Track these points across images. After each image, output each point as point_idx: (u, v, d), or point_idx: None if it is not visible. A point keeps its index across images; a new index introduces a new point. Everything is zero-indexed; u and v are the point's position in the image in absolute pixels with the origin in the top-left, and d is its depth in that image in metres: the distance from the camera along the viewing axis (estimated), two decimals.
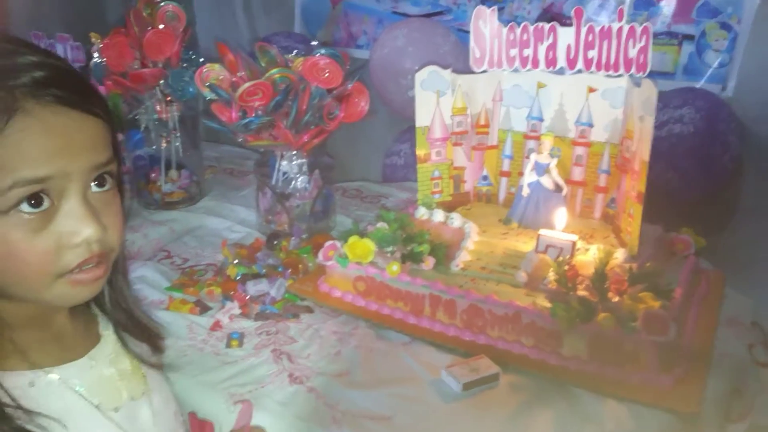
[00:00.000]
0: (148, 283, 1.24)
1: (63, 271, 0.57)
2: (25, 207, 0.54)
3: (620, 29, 1.16)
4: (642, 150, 1.05)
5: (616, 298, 0.98)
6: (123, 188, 0.65)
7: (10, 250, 0.54)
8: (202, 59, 1.55)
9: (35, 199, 0.54)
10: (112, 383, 0.66)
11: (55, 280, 0.57)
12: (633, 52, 1.16)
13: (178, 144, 1.63)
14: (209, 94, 1.36)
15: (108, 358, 0.67)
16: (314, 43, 1.40)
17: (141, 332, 0.73)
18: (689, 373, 0.97)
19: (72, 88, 0.56)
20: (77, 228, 0.56)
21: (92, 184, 0.58)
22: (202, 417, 0.88)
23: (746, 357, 1.07)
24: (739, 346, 1.08)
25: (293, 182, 1.41)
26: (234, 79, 1.34)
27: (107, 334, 0.69)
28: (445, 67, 1.29)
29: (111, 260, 0.62)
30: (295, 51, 1.42)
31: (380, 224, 1.18)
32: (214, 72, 1.37)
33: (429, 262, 1.13)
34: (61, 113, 0.54)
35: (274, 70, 1.30)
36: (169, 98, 1.61)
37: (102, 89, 1.55)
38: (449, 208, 1.29)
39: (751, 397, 1.05)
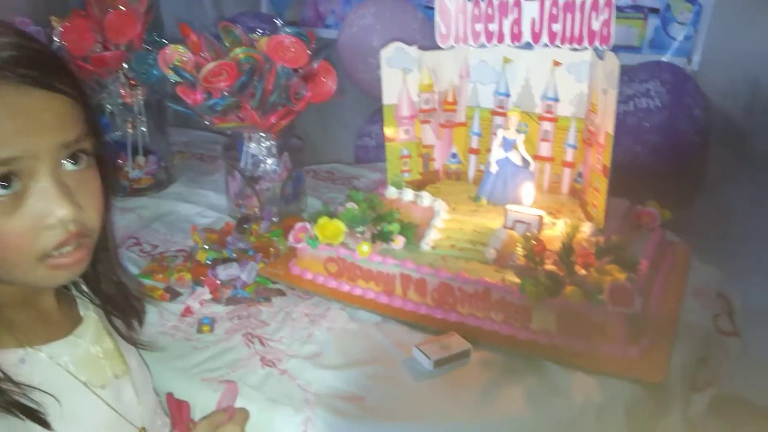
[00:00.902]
0: None
1: (42, 253, 0.57)
2: None
3: (583, 2, 1.15)
4: (606, 123, 1.06)
5: (583, 272, 0.99)
6: (107, 167, 0.64)
7: None
8: (165, 41, 1.52)
9: (5, 181, 0.54)
10: (97, 361, 0.67)
11: (36, 262, 0.57)
12: (596, 25, 1.16)
13: (144, 129, 1.61)
14: (173, 77, 1.33)
15: (92, 337, 0.68)
16: (279, 22, 1.37)
17: (126, 308, 0.74)
18: (655, 344, 0.99)
19: (36, 67, 0.55)
20: (50, 208, 0.56)
21: (67, 162, 0.58)
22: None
23: (711, 327, 1.10)
24: (704, 317, 1.11)
25: (262, 165, 1.40)
26: (198, 60, 1.32)
27: (88, 314, 0.70)
28: (411, 44, 1.28)
29: (92, 241, 0.62)
30: (259, 31, 1.39)
31: (350, 205, 1.17)
32: (178, 53, 1.34)
33: (399, 242, 1.13)
34: (25, 93, 0.54)
35: (238, 50, 1.28)
36: (133, 82, 1.57)
37: None
38: (419, 186, 1.29)
39: (715, 366, 1.08)
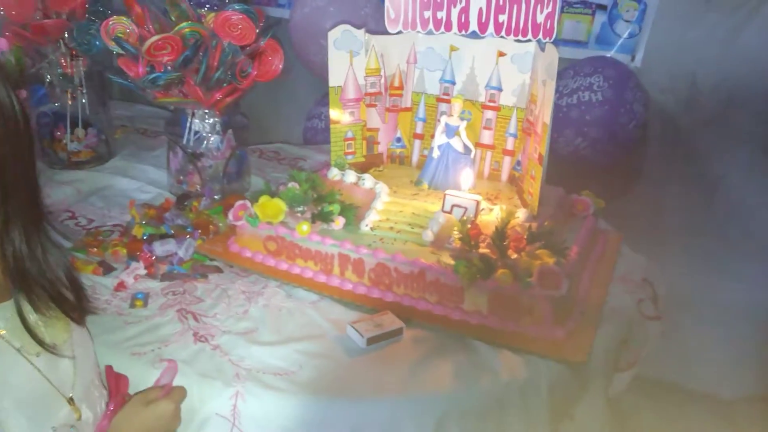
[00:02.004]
0: None
1: None
2: None
3: None
4: (544, 113, 1.09)
5: (515, 256, 1.01)
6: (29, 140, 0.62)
7: None
8: (110, 12, 1.48)
9: None
10: (35, 329, 0.66)
11: None
12: (541, 18, 1.18)
13: (84, 101, 1.56)
14: (115, 48, 1.30)
15: (31, 304, 0.67)
16: None
17: (60, 303, 0.71)
18: (581, 326, 1.03)
19: None
20: None
21: None
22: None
23: (635, 311, 1.15)
24: (629, 301, 1.15)
25: (205, 142, 1.38)
26: (141, 32, 1.29)
27: None
28: (362, 27, 1.28)
29: None
30: (207, 6, 1.37)
31: (291, 184, 1.17)
32: (122, 25, 1.31)
33: (339, 222, 1.13)
34: None
35: (183, 24, 1.26)
36: (74, 52, 1.53)
37: (2, 42, 1.46)
38: (362, 169, 1.30)
39: (637, 348, 1.14)
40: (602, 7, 1.89)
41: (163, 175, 1.50)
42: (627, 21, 1.87)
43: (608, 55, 1.87)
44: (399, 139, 1.39)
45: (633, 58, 1.88)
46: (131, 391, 0.83)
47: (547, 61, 1.10)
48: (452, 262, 1.03)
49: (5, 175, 0.62)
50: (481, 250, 1.03)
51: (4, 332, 0.64)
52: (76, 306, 0.73)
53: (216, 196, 1.38)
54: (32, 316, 0.67)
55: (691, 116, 1.84)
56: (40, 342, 0.66)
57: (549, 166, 1.13)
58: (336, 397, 0.90)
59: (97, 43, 1.48)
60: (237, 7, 1.29)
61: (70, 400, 0.70)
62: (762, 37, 1.72)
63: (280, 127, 2.24)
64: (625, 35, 1.87)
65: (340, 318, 1.05)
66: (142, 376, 0.89)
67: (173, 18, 1.31)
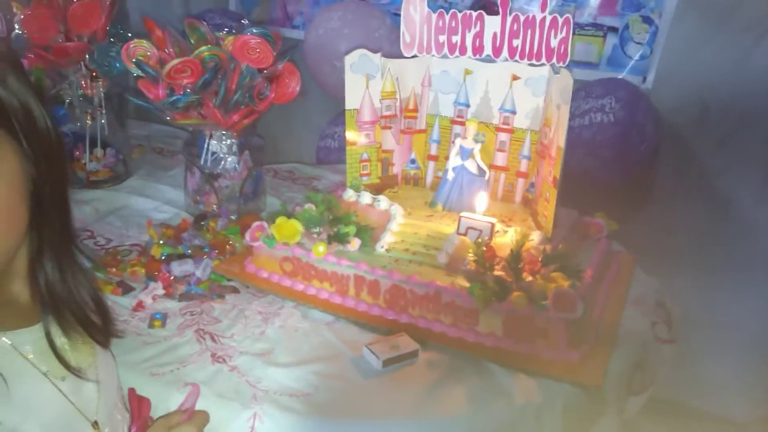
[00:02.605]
0: None
1: None
2: None
3: (543, 19, 1.20)
4: (558, 137, 1.10)
5: (530, 278, 1.02)
6: (43, 160, 0.62)
7: None
8: (130, 34, 1.51)
9: None
10: (63, 352, 0.67)
11: None
12: (554, 42, 1.20)
13: (103, 121, 1.59)
14: (136, 71, 1.33)
15: (60, 328, 0.68)
16: (245, 21, 1.38)
17: (86, 327, 0.72)
18: (595, 349, 1.03)
19: None
20: None
21: None
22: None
23: (649, 334, 1.15)
24: (643, 324, 1.15)
25: (222, 162, 1.40)
26: (161, 55, 1.32)
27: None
28: (377, 50, 1.31)
29: None
30: (226, 29, 1.40)
31: (308, 205, 1.19)
32: (142, 48, 1.33)
33: (355, 243, 1.15)
34: None
35: (203, 48, 1.29)
36: (94, 74, 1.56)
37: (24, 63, 1.49)
38: (377, 190, 1.31)
39: (651, 371, 1.14)
40: (613, 30, 1.91)
41: (180, 195, 1.52)
42: (638, 43, 1.89)
43: (619, 76, 1.89)
44: (413, 161, 1.40)
45: (644, 80, 1.89)
46: (152, 412, 0.84)
47: (561, 86, 1.11)
48: (467, 284, 1.04)
49: (41, 198, 0.63)
50: (496, 273, 1.04)
51: (31, 356, 0.64)
52: (102, 329, 0.74)
53: (232, 216, 1.39)
54: (59, 340, 0.68)
55: (702, 137, 1.85)
56: (67, 366, 0.67)
57: (560, 187, 1.14)
58: (351, 419, 0.90)
59: (117, 65, 1.51)
60: (255, 31, 1.32)
61: (95, 424, 0.70)
62: None
63: (293, 146, 2.26)
64: (637, 57, 1.89)
65: (356, 339, 1.05)
66: (161, 397, 0.90)
67: (192, 41, 1.34)
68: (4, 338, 0.62)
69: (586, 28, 1.91)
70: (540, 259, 1.04)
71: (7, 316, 0.64)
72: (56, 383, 0.66)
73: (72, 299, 0.69)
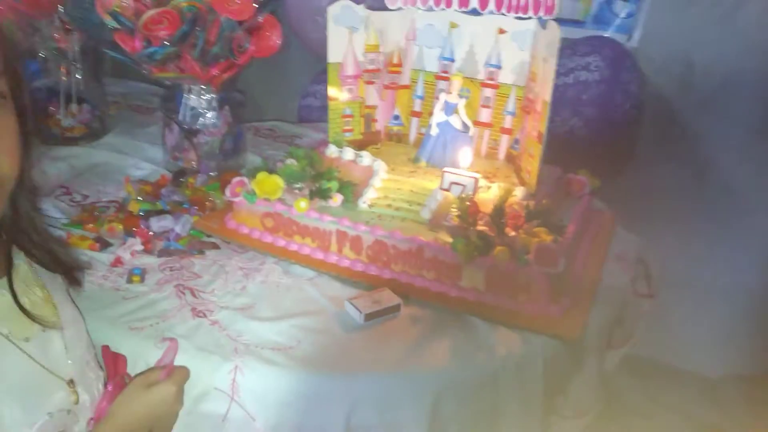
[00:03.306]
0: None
1: None
2: None
3: None
4: (544, 91, 1.09)
5: (513, 233, 1.02)
6: (26, 111, 0.62)
7: None
8: None
9: None
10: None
11: None
12: None
13: (78, 76, 1.55)
14: (111, 23, 1.28)
15: (19, 287, 0.66)
16: None
17: (56, 265, 0.71)
18: (576, 304, 1.04)
19: None
20: None
21: None
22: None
23: (629, 289, 1.16)
24: (623, 280, 1.16)
25: (201, 118, 1.37)
26: (138, 6, 1.27)
27: (18, 263, 0.68)
28: (358, 2, 1.27)
29: (6, 188, 0.59)
30: None
31: (289, 161, 1.17)
32: None
33: (337, 199, 1.13)
34: None
35: None
36: (68, 26, 1.51)
37: None
38: (360, 146, 1.29)
39: (630, 326, 1.15)
40: None
41: (158, 152, 1.49)
42: (625, 0, 1.87)
43: (605, 34, 1.87)
44: (397, 117, 1.38)
45: (630, 38, 1.87)
46: (130, 367, 0.82)
47: (548, 39, 1.09)
48: (450, 239, 1.03)
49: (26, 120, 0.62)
50: (479, 228, 1.04)
51: None
52: (71, 265, 0.73)
53: (212, 173, 1.37)
54: (21, 299, 0.65)
55: (686, 97, 1.85)
56: (32, 317, 0.65)
57: (545, 143, 1.13)
58: (334, 372, 0.90)
59: (92, 17, 1.46)
60: None
61: (70, 383, 0.69)
62: (758, 20, 1.73)
63: (275, 104, 2.22)
64: (623, 15, 1.87)
65: (338, 294, 1.05)
66: (141, 351, 0.89)
67: None
68: None
69: None
70: (523, 215, 1.04)
71: None
72: (20, 345, 0.64)
73: (42, 238, 0.68)
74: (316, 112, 2.02)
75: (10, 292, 0.65)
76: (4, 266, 0.66)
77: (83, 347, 0.75)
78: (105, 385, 0.77)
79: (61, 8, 1.47)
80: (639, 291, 1.16)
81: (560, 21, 1.14)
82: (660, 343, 1.41)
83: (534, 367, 0.95)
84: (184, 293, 1.03)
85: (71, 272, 0.76)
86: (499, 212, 1.03)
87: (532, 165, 1.13)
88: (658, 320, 1.21)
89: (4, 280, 0.65)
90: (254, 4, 1.28)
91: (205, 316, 0.98)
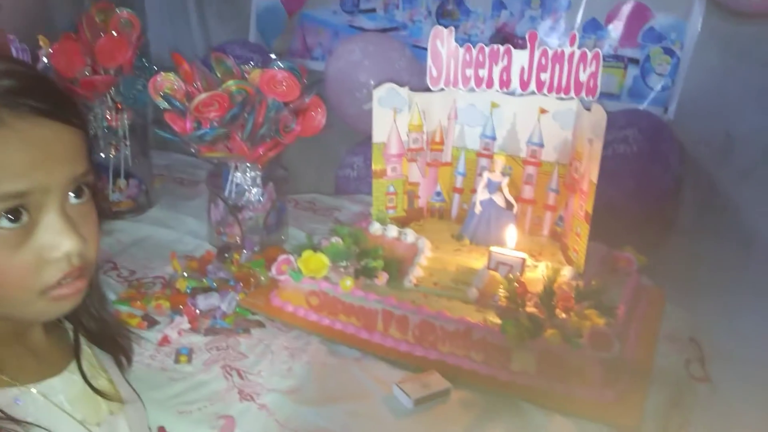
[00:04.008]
0: None
1: (44, 287, 0.55)
2: (3, 222, 0.52)
3: (572, 54, 1.20)
4: (591, 171, 1.09)
5: (564, 315, 1.00)
6: (98, 198, 0.64)
7: None
8: (154, 67, 1.52)
9: (14, 214, 0.52)
10: (93, 398, 0.65)
11: (37, 296, 0.55)
12: (583, 77, 1.20)
13: (127, 152, 1.60)
14: (163, 104, 1.33)
15: (88, 371, 0.66)
16: (272, 55, 1.39)
17: (112, 344, 0.72)
18: (631, 388, 1.01)
19: (47, 97, 0.54)
20: (57, 242, 0.55)
21: (70, 195, 0.57)
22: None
23: (684, 372, 1.12)
24: (677, 362, 1.13)
25: (246, 194, 1.40)
26: (189, 89, 1.33)
27: (83, 348, 0.68)
28: (402, 84, 1.31)
29: (90, 272, 0.61)
30: (251, 62, 1.41)
31: (334, 239, 1.18)
32: (169, 81, 1.35)
33: (382, 278, 1.13)
34: (39, 124, 0.53)
35: (230, 82, 1.29)
36: (119, 106, 1.57)
37: None
38: (403, 223, 1.30)
39: (687, 411, 1.10)
40: (634, 61, 1.92)
41: (202, 226, 1.51)
42: (659, 74, 1.89)
43: (641, 107, 1.89)
44: (439, 193, 1.40)
45: (666, 111, 1.89)
46: None
47: (594, 120, 1.10)
48: (498, 320, 1.02)
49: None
50: (529, 309, 1.02)
51: (66, 405, 0.62)
52: (126, 350, 0.74)
53: (255, 248, 1.39)
54: (94, 382, 0.66)
55: (726, 168, 1.84)
56: (110, 397, 0.65)
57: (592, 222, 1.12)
58: None
59: (143, 97, 1.52)
60: (281, 65, 1.33)
61: None
62: None
63: (312, 176, 2.26)
64: (658, 88, 1.89)
65: (384, 376, 1.03)
66: None
67: (219, 75, 1.35)
68: (33, 390, 0.60)
69: (607, 59, 1.91)
70: (573, 296, 1.02)
71: (33, 366, 0.62)
72: (93, 430, 0.64)
73: (102, 320, 0.69)
74: (353, 183, 2.05)
75: (81, 376, 0.65)
76: (72, 349, 0.67)
77: (144, 428, 0.75)
78: None
79: (112, 89, 1.54)
80: (694, 374, 1.12)
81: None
82: (718, 426, 1.34)
83: None
84: (231, 374, 1.03)
85: (125, 352, 0.77)
86: (549, 294, 1.02)
87: (579, 245, 1.12)
88: (715, 404, 1.17)
89: (73, 364, 0.66)
90: (299, 86, 1.32)
91: (252, 399, 0.97)
